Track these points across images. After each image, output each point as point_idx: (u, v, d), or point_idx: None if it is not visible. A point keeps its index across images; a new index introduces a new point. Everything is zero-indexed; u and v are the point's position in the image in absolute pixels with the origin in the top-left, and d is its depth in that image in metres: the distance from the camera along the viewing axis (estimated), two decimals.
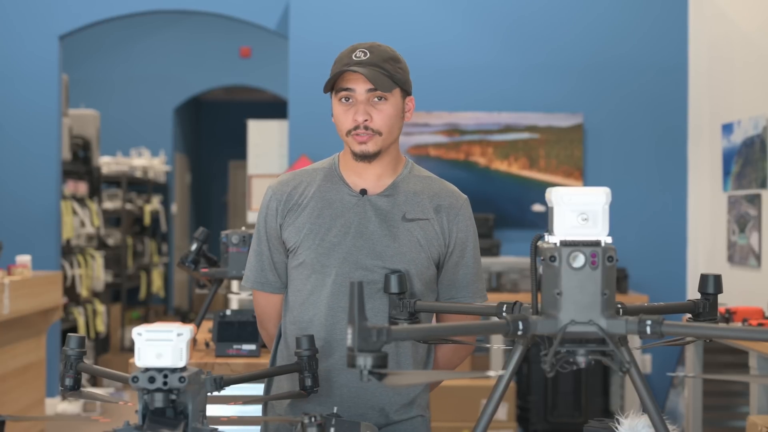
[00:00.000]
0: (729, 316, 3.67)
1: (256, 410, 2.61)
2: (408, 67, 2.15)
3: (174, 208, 10.59)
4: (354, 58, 2.05)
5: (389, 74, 2.06)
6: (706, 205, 5.53)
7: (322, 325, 2.09)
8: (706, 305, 1.79)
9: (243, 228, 3.26)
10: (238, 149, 10.07)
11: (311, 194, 2.12)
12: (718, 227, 5.31)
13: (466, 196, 2.20)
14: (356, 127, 2.06)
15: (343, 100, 2.07)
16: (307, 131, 5.77)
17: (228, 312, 3.02)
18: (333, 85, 2.09)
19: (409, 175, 2.16)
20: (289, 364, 2.01)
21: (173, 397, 1.49)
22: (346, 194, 2.12)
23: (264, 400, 2.21)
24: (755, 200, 4.83)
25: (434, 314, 2.25)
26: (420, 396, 2.18)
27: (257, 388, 2.56)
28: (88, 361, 1.91)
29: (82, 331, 6.94)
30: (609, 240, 1.43)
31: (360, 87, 2.06)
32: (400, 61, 2.11)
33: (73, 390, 1.88)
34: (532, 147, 5.76)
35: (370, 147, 2.07)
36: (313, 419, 1.63)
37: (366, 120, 2.05)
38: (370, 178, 2.13)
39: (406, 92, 2.13)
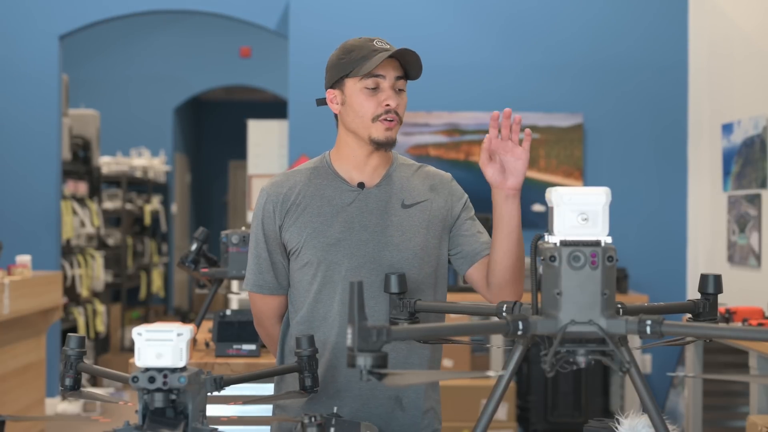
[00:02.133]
0: (729, 316, 3.67)
1: (256, 410, 2.61)
2: None
3: (174, 208, 10.59)
4: (377, 44, 2.07)
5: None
6: (706, 205, 5.53)
7: (336, 321, 2.08)
8: (706, 305, 1.79)
9: (243, 228, 3.26)
10: (238, 149, 10.08)
11: (308, 194, 2.12)
12: (718, 227, 5.31)
13: (449, 174, 2.26)
14: (387, 111, 2.06)
15: (368, 88, 2.07)
16: (307, 131, 5.77)
17: (228, 312, 3.02)
18: (352, 70, 2.07)
19: (398, 164, 2.19)
20: (289, 365, 2.01)
21: (173, 397, 1.49)
22: (344, 189, 2.12)
23: (263, 401, 2.21)
24: (755, 200, 4.83)
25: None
26: (431, 384, 2.19)
27: (257, 388, 2.57)
28: (88, 361, 1.91)
29: (82, 331, 6.94)
30: (609, 240, 1.43)
31: (390, 74, 2.07)
32: None
33: (73, 390, 1.87)
34: (532, 147, 5.69)
35: (394, 134, 2.09)
36: (313, 419, 1.63)
37: (396, 105, 2.07)
38: (369, 172, 2.13)
39: None
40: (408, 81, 2.14)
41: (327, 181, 2.13)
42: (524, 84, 5.83)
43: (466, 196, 2.25)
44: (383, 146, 2.08)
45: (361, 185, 2.12)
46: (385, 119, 2.06)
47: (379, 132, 2.07)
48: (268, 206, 2.13)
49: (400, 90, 2.09)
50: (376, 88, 2.07)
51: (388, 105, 2.05)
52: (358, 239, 2.08)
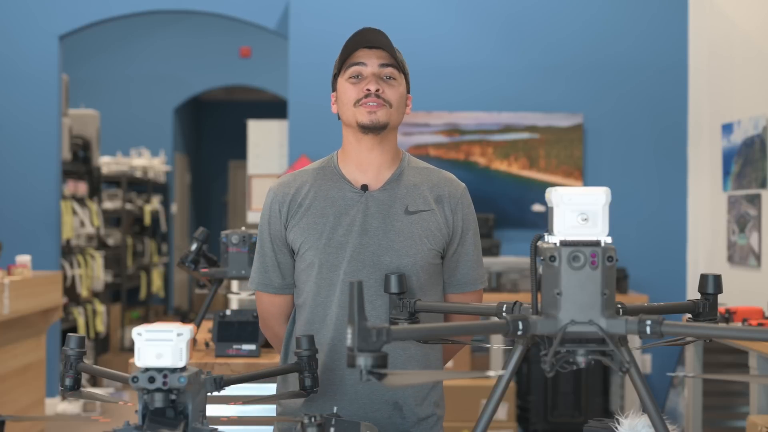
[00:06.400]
0: (729, 316, 3.67)
1: (256, 410, 2.61)
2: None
3: (174, 208, 10.59)
4: (357, 36, 2.07)
5: (399, 59, 2.10)
6: (706, 205, 5.53)
7: (334, 323, 2.08)
8: (706, 305, 1.79)
9: (243, 228, 3.26)
10: (238, 149, 10.07)
11: (313, 194, 2.12)
12: (718, 227, 5.31)
13: (464, 184, 2.21)
14: (367, 95, 2.06)
15: (352, 78, 2.08)
16: (307, 131, 5.77)
17: (228, 312, 3.02)
18: (340, 69, 2.10)
19: (408, 168, 2.17)
20: (289, 364, 2.01)
21: (173, 397, 1.49)
22: (348, 191, 2.11)
23: (263, 401, 2.21)
24: (755, 200, 4.83)
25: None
26: (433, 389, 2.18)
27: (257, 388, 2.56)
28: (88, 361, 1.91)
29: (82, 331, 6.94)
30: (609, 240, 1.43)
31: (372, 61, 2.07)
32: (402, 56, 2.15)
33: (73, 390, 1.87)
34: (532, 147, 5.76)
35: (381, 116, 2.06)
36: (313, 419, 1.63)
37: (378, 90, 2.06)
38: (371, 172, 2.12)
39: (407, 86, 2.15)
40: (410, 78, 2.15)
41: (332, 182, 2.13)
42: (524, 84, 5.83)
43: (474, 216, 2.20)
44: (370, 129, 2.07)
45: (364, 188, 2.12)
46: (366, 102, 2.06)
47: (362, 115, 2.07)
48: (274, 206, 2.14)
49: (390, 78, 2.08)
50: (359, 77, 2.08)
51: (368, 90, 2.06)
52: (359, 242, 2.08)
